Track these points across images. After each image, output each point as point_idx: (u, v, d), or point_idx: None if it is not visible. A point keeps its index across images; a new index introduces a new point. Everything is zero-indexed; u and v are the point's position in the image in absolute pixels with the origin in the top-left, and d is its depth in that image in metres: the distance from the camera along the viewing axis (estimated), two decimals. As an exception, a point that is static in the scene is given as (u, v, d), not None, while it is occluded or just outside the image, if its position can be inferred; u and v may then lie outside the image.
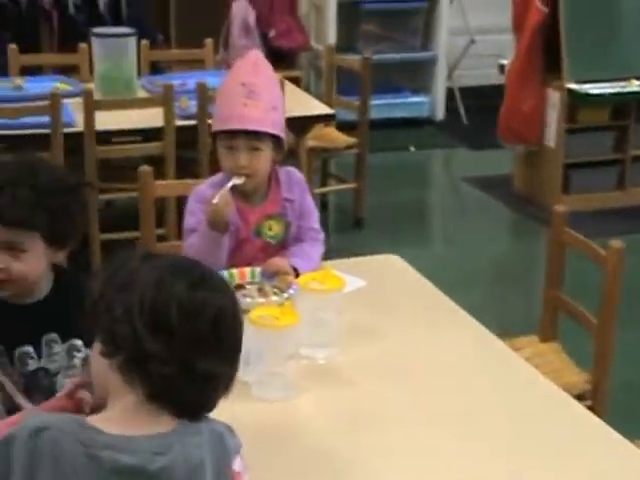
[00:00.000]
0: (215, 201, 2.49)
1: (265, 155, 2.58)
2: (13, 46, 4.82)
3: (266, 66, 2.61)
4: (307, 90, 6.01)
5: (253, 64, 2.59)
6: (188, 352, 1.51)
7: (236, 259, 2.64)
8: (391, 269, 2.84)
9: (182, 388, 1.52)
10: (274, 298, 2.49)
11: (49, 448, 1.46)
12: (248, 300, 2.49)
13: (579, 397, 2.41)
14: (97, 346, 1.56)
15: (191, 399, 1.55)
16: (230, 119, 2.54)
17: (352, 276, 2.63)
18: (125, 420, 1.52)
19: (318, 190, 5.22)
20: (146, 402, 1.52)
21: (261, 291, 2.55)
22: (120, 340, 1.51)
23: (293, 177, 2.71)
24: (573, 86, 5.25)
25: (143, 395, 1.52)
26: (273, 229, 2.66)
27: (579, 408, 2.18)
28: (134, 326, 1.50)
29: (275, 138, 2.59)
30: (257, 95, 2.52)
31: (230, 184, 2.54)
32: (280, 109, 2.60)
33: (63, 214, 1.98)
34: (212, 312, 1.53)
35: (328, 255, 2.82)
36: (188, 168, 4.43)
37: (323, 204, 5.34)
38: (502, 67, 5.70)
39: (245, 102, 2.52)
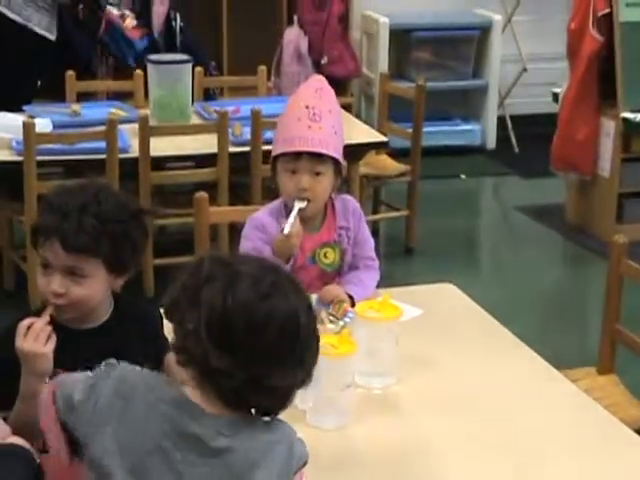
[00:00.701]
0: (286, 231, 2.50)
1: (326, 179, 2.58)
2: (70, 72, 4.87)
3: (329, 91, 2.63)
4: (358, 117, 6.02)
5: (317, 88, 2.61)
6: (255, 367, 1.53)
7: (294, 287, 2.63)
8: (446, 298, 2.83)
9: (253, 399, 1.56)
10: (330, 326, 2.49)
11: (129, 391, 1.58)
12: (304, 327, 2.49)
13: (639, 431, 2.37)
14: (172, 354, 1.61)
15: (264, 406, 1.58)
16: (294, 141, 2.54)
17: (408, 304, 2.61)
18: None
19: (369, 217, 5.20)
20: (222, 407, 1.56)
21: (317, 318, 2.54)
22: (190, 354, 1.55)
23: (349, 205, 2.71)
24: (628, 115, 5.20)
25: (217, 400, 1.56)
26: (329, 256, 2.66)
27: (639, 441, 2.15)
28: (202, 342, 1.52)
29: (335, 163, 2.59)
30: (320, 118, 2.53)
31: (296, 210, 2.53)
32: (340, 135, 2.61)
33: (125, 241, 1.99)
34: (278, 322, 1.54)
35: (379, 283, 2.80)
36: (240, 194, 4.46)
37: (374, 231, 5.31)
38: (556, 95, 5.66)
39: (309, 124, 2.53)
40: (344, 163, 2.67)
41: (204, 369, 1.54)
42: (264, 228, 2.61)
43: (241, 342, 1.52)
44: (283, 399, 1.60)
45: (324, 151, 2.54)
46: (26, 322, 1.93)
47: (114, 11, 5.67)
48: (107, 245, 1.96)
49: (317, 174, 2.56)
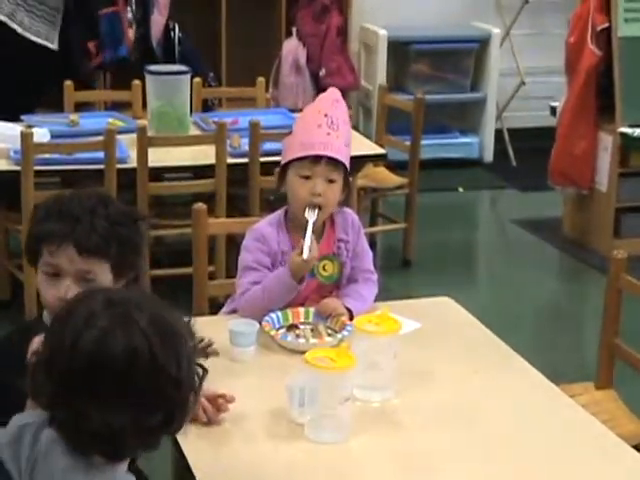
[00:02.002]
0: (306, 256, 2.50)
1: (337, 188, 2.61)
2: (68, 82, 4.87)
3: (344, 104, 2.69)
4: (356, 129, 6.01)
5: (334, 99, 2.65)
6: (76, 404, 1.50)
7: (291, 300, 2.63)
8: (444, 311, 2.82)
9: (83, 439, 1.53)
10: (328, 339, 2.49)
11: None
12: (302, 341, 2.49)
13: (637, 447, 2.36)
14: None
15: (100, 450, 1.54)
16: (314, 145, 2.56)
17: (406, 318, 2.61)
18: None
19: (367, 230, 5.19)
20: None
21: (315, 331, 2.54)
22: (32, 389, 1.56)
23: (348, 218, 2.72)
24: (626, 130, 5.21)
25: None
26: (327, 269, 2.66)
27: (638, 458, 2.14)
28: (40, 377, 1.53)
29: (345, 175, 2.62)
30: (337, 127, 2.58)
31: (310, 230, 2.53)
32: (350, 148, 2.66)
33: (130, 245, 2.02)
34: (88, 359, 1.49)
35: (377, 296, 2.80)
36: (238, 206, 4.45)
37: (372, 244, 5.29)
38: (553, 109, 5.67)
39: (328, 132, 2.57)
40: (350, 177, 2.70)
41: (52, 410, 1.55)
42: (265, 239, 2.62)
43: (63, 378, 1.51)
44: (113, 443, 1.53)
45: (341, 158, 2.58)
46: (37, 340, 1.93)
47: (129, 14, 5.68)
48: (115, 247, 1.98)
49: (331, 182, 2.58)
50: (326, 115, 2.58)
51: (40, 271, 2.01)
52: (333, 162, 2.57)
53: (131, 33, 5.67)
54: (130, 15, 5.66)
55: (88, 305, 1.55)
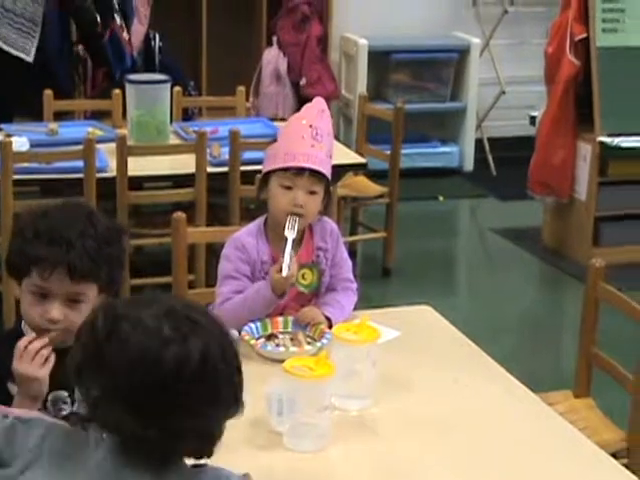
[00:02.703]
0: (285, 274, 2.50)
1: (318, 199, 2.62)
2: (48, 91, 4.86)
3: (329, 115, 2.69)
4: (337, 138, 6.01)
5: (320, 110, 2.65)
6: (170, 421, 1.48)
7: (270, 308, 2.64)
8: (423, 320, 2.83)
9: (176, 451, 1.52)
10: (307, 347, 2.49)
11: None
12: (281, 349, 2.49)
13: (615, 455, 2.37)
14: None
15: (191, 452, 1.54)
16: (297, 156, 2.56)
17: (385, 326, 2.61)
18: None
19: (347, 239, 5.21)
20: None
21: (294, 340, 2.54)
22: (103, 423, 1.51)
23: (327, 227, 2.72)
24: (605, 139, 5.24)
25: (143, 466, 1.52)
26: (307, 278, 2.66)
27: (615, 466, 2.15)
28: (112, 409, 1.48)
29: (326, 187, 2.63)
30: (321, 139, 2.58)
31: (289, 247, 2.53)
32: (331, 159, 2.66)
33: (117, 262, 2.00)
34: (183, 369, 1.47)
35: (356, 304, 2.81)
36: (218, 215, 4.45)
37: (352, 253, 5.30)
38: (533, 119, 5.70)
39: (312, 143, 2.57)
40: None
41: (120, 436, 1.50)
42: (244, 248, 2.62)
43: (147, 402, 1.47)
44: (208, 440, 1.54)
45: (324, 170, 2.58)
46: (23, 342, 1.91)
47: (117, 20, 5.68)
48: (105, 268, 1.96)
49: (312, 193, 2.58)
50: (311, 126, 2.58)
51: (26, 289, 1.99)
52: (315, 174, 2.57)
53: (126, 38, 5.67)
54: (119, 21, 5.66)
55: (145, 317, 1.51)
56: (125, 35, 5.70)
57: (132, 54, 5.76)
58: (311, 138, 2.56)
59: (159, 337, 1.48)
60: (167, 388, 1.48)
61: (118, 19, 5.68)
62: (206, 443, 1.55)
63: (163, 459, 1.53)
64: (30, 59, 5.27)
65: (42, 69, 5.42)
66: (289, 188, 2.58)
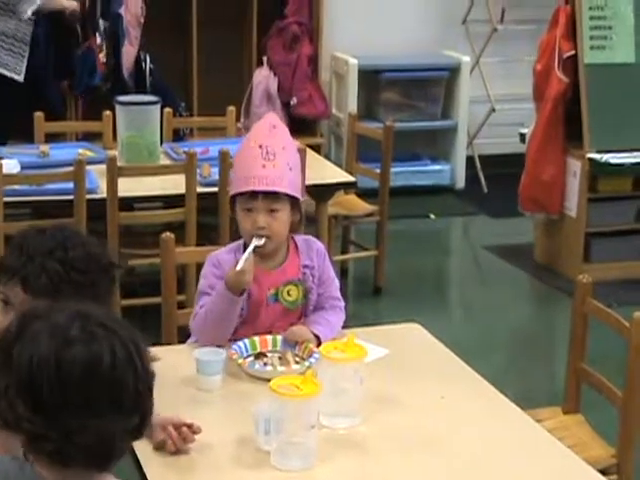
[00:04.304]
0: (239, 267, 2.51)
1: (283, 216, 2.60)
2: (39, 113, 4.87)
3: (282, 128, 2.66)
4: (328, 157, 6.05)
5: (270, 126, 2.63)
6: (68, 423, 1.48)
7: (256, 325, 2.65)
8: (412, 338, 2.83)
9: (78, 455, 1.51)
10: (295, 366, 2.49)
11: None
12: (269, 369, 2.50)
13: (604, 471, 2.37)
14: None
15: (91, 460, 1.53)
16: (248, 181, 2.57)
17: (374, 344, 2.62)
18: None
19: (338, 257, 5.22)
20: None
21: (282, 359, 2.55)
22: (4, 419, 1.51)
23: (312, 245, 2.73)
24: (594, 155, 5.26)
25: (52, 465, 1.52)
26: (292, 294, 2.67)
27: (604, 482, 2.16)
28: (13, 405, 1.49)
29: (292, 199, 2.61)
30: (274, 156, 2.56)
31: (252, 247, 2.55)
32: (296, 170, 2.64)
33: (90, 291, 1.97)
34: (76, 372, 1.48)
35: (347, 323, 2.82)
36: (208, 235, 4.45)
37: (343, 271, 5.33)
38: (523, 136, 5.72)
39: (263, 163, 2.56)
40: (303, 198, 2.69)
41: (24, 433, 1.50)
42: (220, 265, 2.64)
43: (47, 399, 1.48)
44: (108, 445, 1.53)
45: (278, 189, 2.57)
46: None
47: (98, 40, 5.74)
48: (69, 292, 1.94)
49: (273, 211, 2.59)
50: (260, 146, 2.57)
51: None
52: (272, 193, 2.57)
53: (102, 60, 5.72)
54: (99, 40, 5.72)
55: (45, 323, 1.53)
56: (102, 57, 5.79)
57: (102, 76, 5.85)
58: (262, 158, 2.55)
59: (64, 337, 1.50)
60: (68, 386, 1.48)
61: (99, 39, 5.74)
62: (106, 448, 1.53)
63: (64, 463, 1.52)
64: (21, 79, 5.30)
65: (34, 90, 5.45)
66: (250, 210, 2.59)
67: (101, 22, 5.78)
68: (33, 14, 5.17)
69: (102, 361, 1.49)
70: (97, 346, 1.50)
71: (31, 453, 1.52)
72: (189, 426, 2.17)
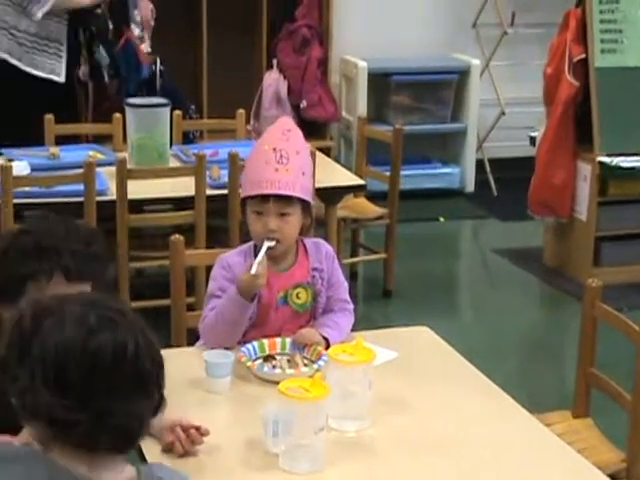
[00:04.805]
0: (253, 271, 2.51)
1: (294, 220, 2.60)
2: (49, 116, 4.88)
3: (296, 132, 2.65)
4: (337, 160, 6.04)
5: (284, 130, 2.63)
6: (97, 406, 1.53)
7: (265, 328, 2.65)
8: (421, 341, 2.83)
9: (105, 438, 1.55)
10: (304, 369, 2.49)
11: None
12: (277, 371, 2.49)
13: (614, 476, 2.37)
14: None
15: (118, 444, 1.58)
16: (261, 184, 2.56)
17: (382, 347, 2.62)
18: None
19: (348, 260, 5.22)
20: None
21: (291, 362, 2.55)
22: (33, 411, 1.54)
23: (321, 248, 2.73)
24: (604, 159, 5.25)
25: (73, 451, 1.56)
26: (301, 297, 2.67)
27: (613, 486, 2.15)
28: (41, 395, 1.52)
29: (303, 203, 2.62)
30: (287, 160, 2.56)
31: (264, 250, 2.55)
32: (308, 174, 2.64)
33: (103, 259, 2.11)
34: (107, 357, 1.53)
35: (357, 326, 2.82)
36: (218, 237, 4.46)
37: (352, 274, 5.33)
38: (533, 139, 5.71)
39: (276, 167, 2.55)
40: (313, 202, 2.69)
41: (50, 423, 1.53)
42: (230, 267, 2.64)
43: (77, 384, 1.52)
44: (135, 428, 1.59)
45: (290, 193, 2.57)
46: None
47: (136, 31, 5.64)
48: (94, 265, 2.07)
49: (285, 215, 2.59)
50: (274, 149, 2.57)
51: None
52: (284, 197, 2.57)
53: (146, 51, 5.64)
54: (137, 31, 5.63)
55: (66, 311, 1.57)
56: (143, 47, 5.64)
57: (150, 66, 5.69)
58: (275, 162, 2.55)
59: (86, 325, 1.55)
60: (96, 372, 1.53)
61: (136, 30, 5.64)
62: (133, 431, 1.59)
63: (92, 447, 1.56)
64: (61, 80, 5.23)
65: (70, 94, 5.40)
66: (261, 213, 2.59)
67: (135, 11, 5.63)
68: (46, 14, 5.10)
69: (127, 346, 1.55)
70: (119, 332, 1.56)
71: (57, 441, 1.55)
72: (197, 428, 2.17)
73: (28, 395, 1.53)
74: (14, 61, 5.13)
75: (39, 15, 5.04)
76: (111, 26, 5.53)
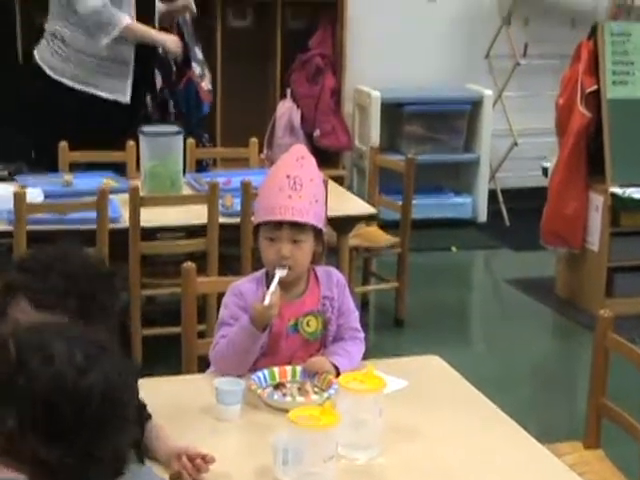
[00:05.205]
0: (267, 302, 2.51)
1: (306, 247, 2.61)
2: (63, 143, 4.91)
3: (310, 160, 2.67)
4: (350, 189, 6.06)
5: (298, 157, 2.65)
6: (86, 445, 1.49)
7: (276, 356, 2.65)
8: (432, 370, 2.82)
9: (92, 474, 1.52)
10: (314, 397, 2.49)
11: None
12: (288, 399, 2.49)
13: (624, 507, 2.35)
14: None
15: (102, 475, 1.55)
16: (274, 210, 2.57)
17: (393, 376, 2.61)
18: None
19: (359, 289, 5.22)
20: None
21: (301, 390, 2.55)
22: (17, 454, 1.48)
23: (332, 276, 2.73)
24: (616, 190, 5.25)
25: None
26: (311, 325, 2.67)
27: (624, 518, 2.14)
28: (27, 437, 1.47)
29: (316, 230, 2.63)
30: (301, 187, 2.57)
31: (277, 280, 2.55)
32: (321, 202, 2.65)
33: (92, 298, 2.00)
34: (98, 395, 1.49)
35: (368, 354, 2.81)
36: (230, 265, 4.47)
37: (364, 303, 5.33)
38: (545, 170, 5.72)
39: (290, 194, 2.57)
40: (325, 229, 2.70)
41: (38, 467, 1.48)
42: (242, 295, 2.64)
43: (68, 427, 1.48)
44: (122, 461, 1.58)
45: (304, 220, 2.58)
46: None
47: (197, 70, 5.65)
48: (73, 303, 1.97)
49: (297, 242, 2.59)
50: (288, 176, 2.58)
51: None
52: (297, 224, 2.58)
53: (205, 86, 5.64)
54: (198, 70, 5.64)
55: (52, 347, 1.52)
56: (204, 84, 5.66)
57: (209, 103, 5.73)
58: (289, 188, 2.56)
59: (74, 365, 1.50)
60: (85, 414, 1.49)
61: (197, 68, 5.64)
62: (120, 465, 1.57)
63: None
64: (126, 100, 5.23)
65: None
66: (274, 240, 2.60)
67: (196, 49, 5.65)
68: (111, 42, 5.05)
69: (114, 384, 1.52)
70: (106, 370, 1.52)
71: None
72: (203, 457, 2.17)
73: (16, 441, 1.48)
74: (80, 86, 5.13)
75: (104, 43, 5.04)
76: (174, 68, 5.55)
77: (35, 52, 5.25)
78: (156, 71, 5.65)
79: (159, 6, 5.38)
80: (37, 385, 1.48)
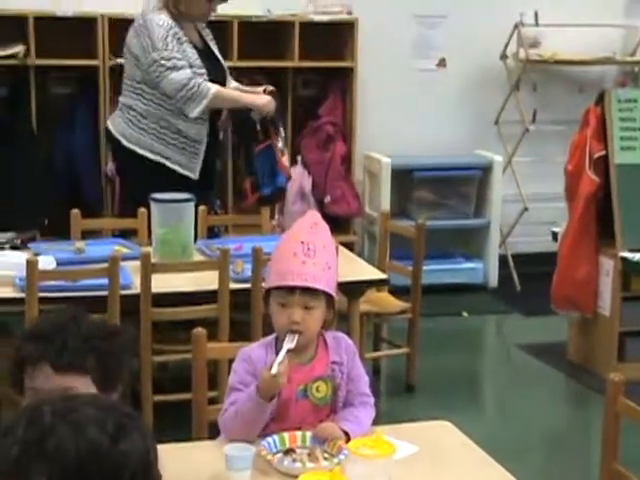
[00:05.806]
0: (274, 371, 2.52)
1: (318, 313, 2.62)
2: (75, 210, 4.96)
3: (324, 226, 2.70)
4: (361, 255, 6.08)
5: (312, 223, 2.67)
6: None
7: (285, 422, 2.65)
8: (442, 435, 2.81)
9: None
10: (324, 463, 2.48)
11: None
12: (298, 465, 2.49)
13: None
14: None
15: None
16: (287, 275, 2.59)
17: (403, 442, 2.61)
18: None
19: (370, 355, 5.21)
20: None
21: (311, 455, 2.54)
22: None
23: (341, 342, 2.74)
24: (626, 254, 5.26)
25: None
26: (321, 390, 2.67)
27: None
28: None
29: (328, 297, 2.64)
30: (314, 254, 2.59)
31: (285, 350, 2.56)
32: (334, 269, 2.67)
33: (109, 355, 2.05)
34: (131, 465, 1.47)
35: (379, 420, 2.81)
36: (241, 331, 4.47)
37: (375, 369, 5.32)
38: (555, 234, 5.73)
39: (303, 260, 2.58)
40: (337, 297, 2.71)
41: None
42: (251, 360, 2.65)
43: None
44: None
45: (317, 286, 2.59)
46: None
47: (279, 143, 5.56)
48: (92, 360, 2.02)
49: (309, 308, 2.61)
50: (302, 242, 2.60)
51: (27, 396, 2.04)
52: (309, 290, 2.59)
53: (285, 161, 5.64)
54: (281, 144, 5.63)
55: (82, 413, 1.51)
56: (285, 159, 5.57)
57: (287, 176, 5.62)
58: (302, 254, 2.58)
59: (107, 432, 1.47)
60: None
61: (280, 142, 5.53)
62: None
63: None
64: (195, 177, 5.24)
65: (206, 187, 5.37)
66: (285, 305, 2.61)
67: (282, 129, 5.58)
68: (202, 114, 5.10)
69: (146, 450, 1.51)
70: (137, 440, 1.50)
71: None
72: None
73: None
74: (153, 156, 5.17)
75: (195, 113, 5.07)
76: (258, 127, 5.49)
77: (108, 122, 5.34)
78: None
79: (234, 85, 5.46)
80: (66, 447, 1.46)
